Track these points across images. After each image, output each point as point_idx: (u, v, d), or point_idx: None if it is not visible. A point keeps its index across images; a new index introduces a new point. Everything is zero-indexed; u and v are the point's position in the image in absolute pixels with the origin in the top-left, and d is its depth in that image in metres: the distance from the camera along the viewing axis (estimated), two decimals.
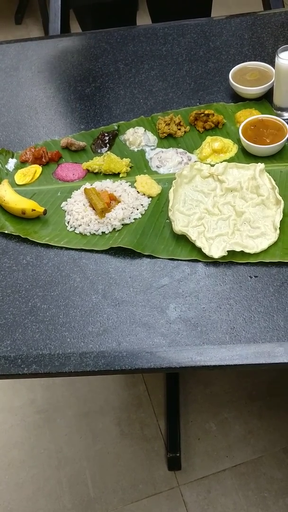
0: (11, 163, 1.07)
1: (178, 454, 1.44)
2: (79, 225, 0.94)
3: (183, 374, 1.57)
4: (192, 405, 1.54)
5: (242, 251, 0.86)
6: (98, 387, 1.61)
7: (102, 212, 0.94)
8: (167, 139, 1.06)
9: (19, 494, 1.46)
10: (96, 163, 1.03)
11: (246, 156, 1.00)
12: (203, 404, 1.54)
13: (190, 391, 1.57)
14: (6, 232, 0.96)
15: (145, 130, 1.07)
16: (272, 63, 1.06)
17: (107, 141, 1.07)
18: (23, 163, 1.07)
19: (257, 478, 1.41)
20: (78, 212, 0.95)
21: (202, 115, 1.06)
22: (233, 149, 1.02)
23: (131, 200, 0.95)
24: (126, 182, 1.00)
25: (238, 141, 1.02)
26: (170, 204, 0.92)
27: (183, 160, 1.01)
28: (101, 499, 1.42)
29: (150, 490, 1.42)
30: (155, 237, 0.91)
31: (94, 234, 0.93)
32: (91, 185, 1.00)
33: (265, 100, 1.09)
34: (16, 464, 1.50)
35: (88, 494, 1.43)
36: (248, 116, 1.03)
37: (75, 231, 0.94)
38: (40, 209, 0.96)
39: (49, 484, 1.46)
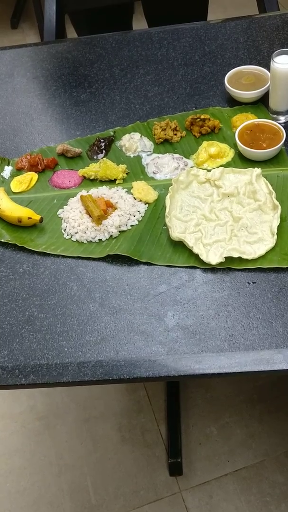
0: (7, 170, 1.07)
1: (179, 460, 1.44)
2: (76, 233, 0.94)
3: (183, 379, 1.57)
4: (193, 410, 1.54)
5: (239, 257, 0.86)
6: (98, 392, 1.60)
7: (98, 219, 0.93)
8: (163, 145, 1.06)
9: (20, 501, 1.45)
10: (92, 169, 1.02)
11: (242, 160, 1.00)
12: (204, 408, 1.54)
13: (190, 396, 1.56)
14: (2, 240, 0.95)
15: (141, 136, 1.07)
16: (267, 66, 1.05)
17: (103, 147, 1.06)
18: (19, 171, 1.07)
19: (259, 483, 1.40)
20: (74, 220, 0.95)
21: (198, 120, 1.05)
22: (230, 154, 1.01)
23: (127, 207, 0.95)
24: (123, 188, 0.99)
25: (234, 146, 1.02)
26: (167, 211, 0.91)
27: (179, 165, 1.01)
28: (102, 506, 1.41)
29: (151, 496, 1.41)
30: (152, 244, 0.90)
31: (91, 241, 0.93)
32: (87, 192, 0.99)
33: (261, 104, 1.08)
34: (16, 472, 1.50)
35: (90, 501, 1.42)
36: (244, 121, 1.03)
37: (72, 238, 0.94)
38: (37, 217, 0.95)
39: (50, 491, 1.45)
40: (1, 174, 1.07)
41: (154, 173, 1.01)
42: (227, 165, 1.00)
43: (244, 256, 0.85)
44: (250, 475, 1.42)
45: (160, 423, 1.53)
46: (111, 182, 1.01)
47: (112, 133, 1.09)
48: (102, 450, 1.50)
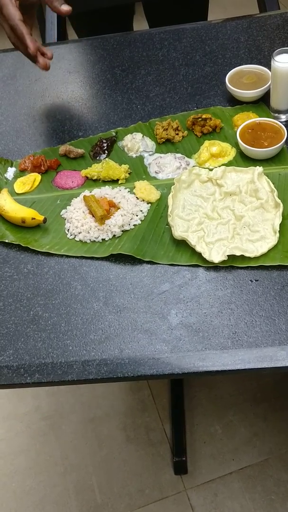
0: (10, 172, 1.08)
1: (184, 458, 1.44)
2: (79, 233, 0.94)
3: (187, 378, 1.57)
4: (197, 409, 1.54)
5: (242, 255, 0.86)
6: (102, 392, 1.61)
7: (101, 219, 0.94)
8: (165, 145, 1.07)
9: (26, 501, 1.46)
10: (95, 170, 1.03)
11: (244, 159, 1.00)
12: (208, 407, 1.54)
13: (194, 395, 1.57)
14: (6, 241, 0.96)
15: (143, 136, 1.08)
16: (268, 65, 1.06)
17: (105, 147, 1.07)
18: (22, 172, 1.08)
19: (263, 481, 1.41)
20: (77, 220, 0.95)
21: (200, 119, 1.06)
22: (231, 153, 1.02)
23: (130, 207, 0.95)
24: (125, 188, 1.00)
25: (236, 145, 1.02)
26: (169, 210, 0.92)
27: (181, 165, 1.01)
28: (108, 505, 1.42)
29: (156, 495, 1.42)
30: (155, 243, 0.91)
31: (94, 241, 0.94)
32: (90, 192, 1.00)
33: (262, 103, 1.09)
34: (22, 472, 1.51)
35: (95, 500, 1.43)
36: (245, 120, 1.03)
37: (75, 238, 0.95)
38: (40, 218, 0.96)
39: (56, 491, 1.46)
40: (5, 175, 1.07)
41: (156, 172, 1.02)
42: (228, 164, 1.00)
43: (247, 254, 0.86)
44: (255, 473, 1.42)
45: (165, 422, 1.53)
46: (113, 182, 1.02)
47: (114, 134, 1.10)
48: (107, 450, 1.51)
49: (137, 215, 0.95)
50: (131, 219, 0.94)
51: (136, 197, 0.97)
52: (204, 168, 1.00)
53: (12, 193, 1.04)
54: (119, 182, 1.01)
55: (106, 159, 1.04)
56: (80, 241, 0.94)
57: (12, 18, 1.01)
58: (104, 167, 1.01)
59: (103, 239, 0.93)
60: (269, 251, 0.86)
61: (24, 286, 0.90)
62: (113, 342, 0.80)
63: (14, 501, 1.46)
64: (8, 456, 1.54)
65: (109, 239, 0.93)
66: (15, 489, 1.48)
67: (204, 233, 0.90)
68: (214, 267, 0.87)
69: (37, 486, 1.47)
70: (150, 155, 1.05)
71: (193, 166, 1.01)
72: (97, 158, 1.07)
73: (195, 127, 1.07)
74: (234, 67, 1.12)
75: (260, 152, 0.98)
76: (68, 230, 0.96)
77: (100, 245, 0.93)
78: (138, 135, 1.07)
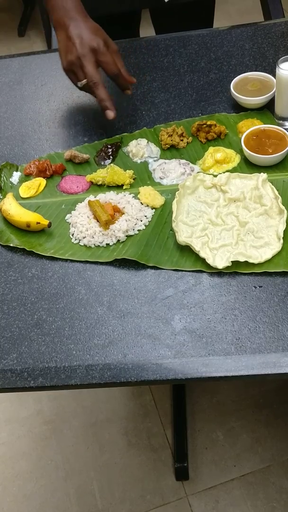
0: (16, 176, 1.08)
1: (185, 464, 1.44)
2: (84, 237, 0.95)
3: (189, 383, 1.57)
4: (199, 414, 1.54)
5: (246, 261, 0.86)
6: (104, 397, 1.61)
7: (106, 224, 0.94)
8: (170, 150, 1.07)
9: (27, 506, 1.46)
10: (100, 175, 1.03)
11: (248, 166, 1.01)
12: (210, 413, 1.54)
13: (196, 400, 1.57)
14: (11, 245, 0.96)
15: (148, 142, 1.08)
16: (273, 72, 1.06)
17: (110, 153, 1.08)
18: (27, 176, 1.08)
19: (265, 488, 1.40)
20: (82, 225, 0.96)
21: (204, 125, 1.07)
22: (236, 159, 1.02)
23: (134, 212, 0.96)
24: (130, 193, 1.00)
25: (240, 151, 1.03)
26: (174, 215, 0.92)
27: (186, 171, 1.02)
28: (108, 510, 1.41)
29: (158, 501, 1.41)
30: (159, 248, 0.91)
31: (99, 246, 0.94)
32: (95, 197, 1.00)
33: (267, 110, 1.09)
34: (23, 476, 1.50)
35: (96, 505, 1.43)
36: (250, 126, 1.04)
37: (80, 243, 0.95)
38: (45, 222, 0.97)
39: (57, 496, 1.46)
40: (10, 179, 1.08)
41: (160, 178, 1.02)
42: (233, 170, 1.01)
43: (251, 260, 0.86)
44: (257, 480, 1.42)
45: (166, 428, 1.53)
46: (118, 187, 1.02)
47: (119, 139, 1.11)
48: (108, 455, 1.50)
49: (141, 220, 0.95)
50: (136, 224, 0.95)
51: (141, 203, 0.98)
52: (208, 174, 1.00)
53: (17, 197, 1.04)
54: (124, 187, 1.02)
55: (111, 164, 1.04)
56: (85, 245, 0.94)
57: (95, 78, 1.05)
58: (109, 172, 1.02)
59: (107, 244, 0.94)
60: (273, 257, 0.87)
61: (28, 290, 0.90)
62: (117, 347, 0.81)
63: (15, 505, 1.46)
64: (9, 460, 1.53)
65: (113, 244, 0.94)
66: (16, 493, 1.48)
67: (208, 239, 0.90)
68: (218, 272, 0.87)
69: (38, 490, 1.47)
70: (154, 160, 1.06)
71: (198, 172, 1.01)
72: (102, 163, 1.07)
73: (200, 133, 1.07)
74: (239, 74, 1.13)
75: (265, 159, 0.98)
76: (72, 234, 0.96)
77: (104, 250, 0.93)
78: (143, 141, 1.08)
